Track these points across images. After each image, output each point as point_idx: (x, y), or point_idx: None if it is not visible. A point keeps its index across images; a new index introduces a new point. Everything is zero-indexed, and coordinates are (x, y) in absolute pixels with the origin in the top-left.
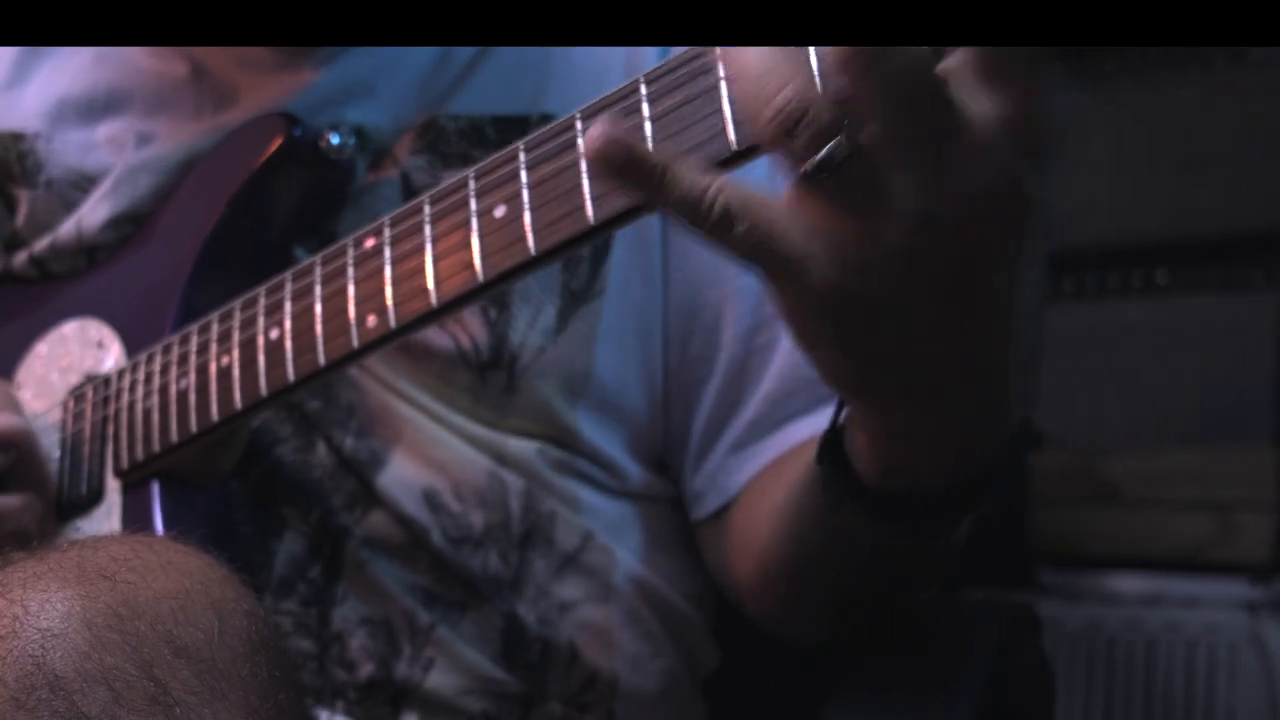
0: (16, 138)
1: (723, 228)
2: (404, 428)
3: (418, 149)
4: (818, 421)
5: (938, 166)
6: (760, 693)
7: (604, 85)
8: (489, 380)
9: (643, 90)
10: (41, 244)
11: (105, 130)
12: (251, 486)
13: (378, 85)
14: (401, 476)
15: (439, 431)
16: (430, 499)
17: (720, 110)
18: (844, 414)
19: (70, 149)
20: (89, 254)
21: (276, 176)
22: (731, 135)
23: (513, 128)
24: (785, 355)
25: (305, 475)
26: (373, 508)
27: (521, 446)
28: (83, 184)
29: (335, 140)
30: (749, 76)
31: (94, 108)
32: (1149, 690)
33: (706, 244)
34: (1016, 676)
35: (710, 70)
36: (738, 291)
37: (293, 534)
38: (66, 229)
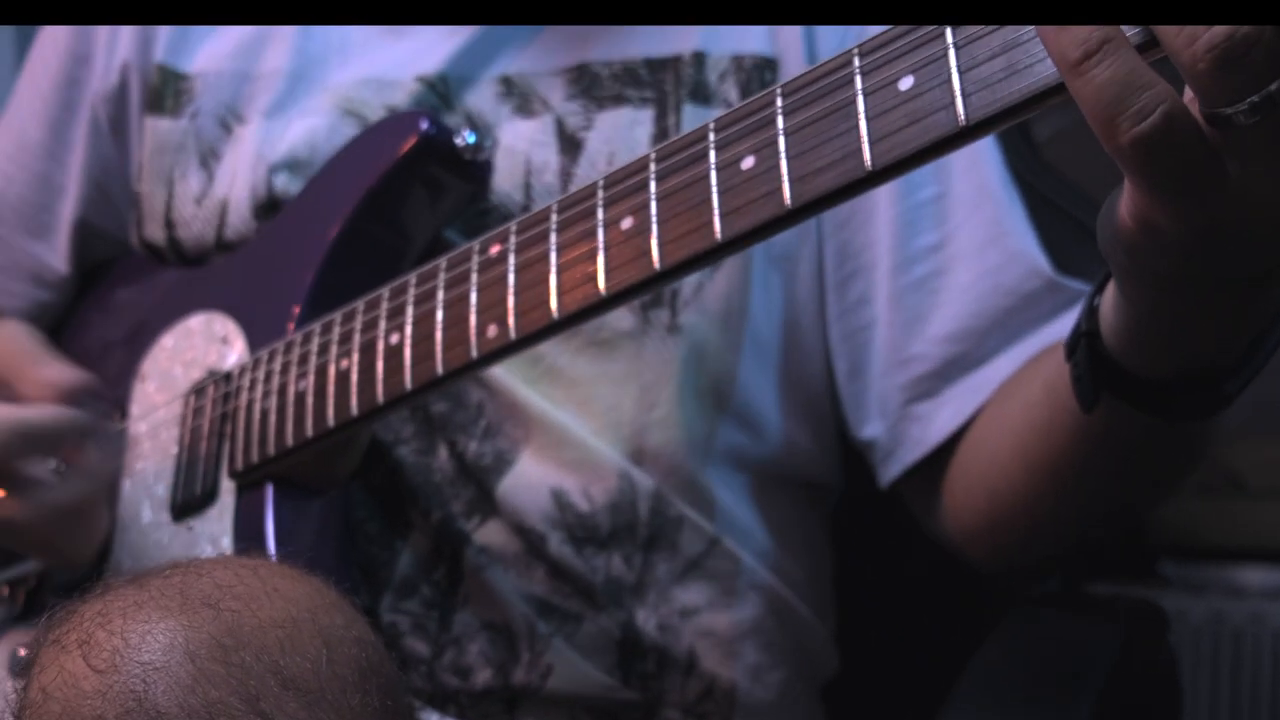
0: (181, 77)
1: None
2: (534, 428)
3: (571, 94)
4: (1020, 353)
5: None
6: (880, 696)
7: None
8: (652, 321)
9: (778, 103)
10: (174, 202)
11: (262, 66)
12: (373, 486)
13: (523, 34)
14: (527, 479)
15: (570, 430)
16: (558, 499)
17: (857, 129)
18: (1103, 306)
19: (225, 83)
20: (218, 223)
21: (409, 176)
22: (867, 155)
23: (666, 68)
24: (965, 291)
25: (425, 478)
26: (490, 516)
27: (667, 438)
28: (228, 121)
29: (471, 138)
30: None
31: (245, 43)
32: (1275, 684)
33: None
34: (1141, 670)
35: (849, 83)
36: (887, 224)
37: (417, 535)
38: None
